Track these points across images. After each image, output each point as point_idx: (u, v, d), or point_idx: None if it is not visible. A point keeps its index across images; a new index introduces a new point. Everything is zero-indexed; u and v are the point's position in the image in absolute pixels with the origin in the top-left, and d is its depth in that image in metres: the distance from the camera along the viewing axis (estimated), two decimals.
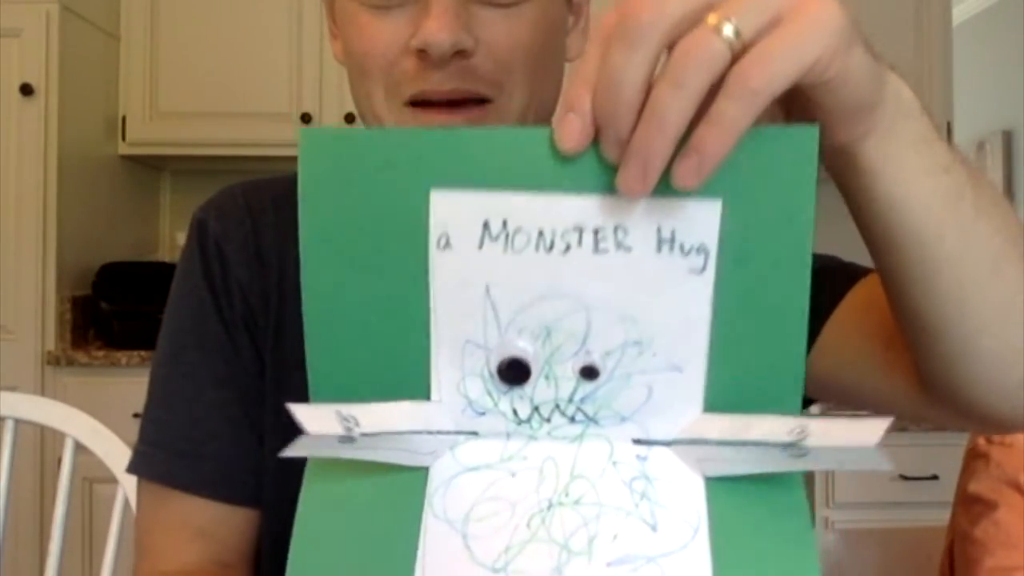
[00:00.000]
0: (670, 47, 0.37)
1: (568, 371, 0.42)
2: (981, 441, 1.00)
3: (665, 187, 0.38)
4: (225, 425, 0.71)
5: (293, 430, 0.60)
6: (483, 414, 0.43)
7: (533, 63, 0.64)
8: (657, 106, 0.37)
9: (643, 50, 0.37)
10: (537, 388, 0.42)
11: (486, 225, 0.40)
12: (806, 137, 0.39)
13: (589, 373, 0.42)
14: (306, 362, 0.44)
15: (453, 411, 0.43)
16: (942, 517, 1.04)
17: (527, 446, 0.43)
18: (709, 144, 0.37)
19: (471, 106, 0.64)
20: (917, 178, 0.46)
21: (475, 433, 0.43)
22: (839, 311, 0.64)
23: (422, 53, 0.61)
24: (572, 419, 0.42)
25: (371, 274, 0.42)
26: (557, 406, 0.42)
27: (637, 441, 0.42)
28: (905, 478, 2.21)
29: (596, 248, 0.40)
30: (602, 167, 0.39)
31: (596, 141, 0.39)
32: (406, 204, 0.41)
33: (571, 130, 0.38)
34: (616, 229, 0.40)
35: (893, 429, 0.39)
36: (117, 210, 2.76)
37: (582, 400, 0.42)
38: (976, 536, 0.94)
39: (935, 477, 2.18)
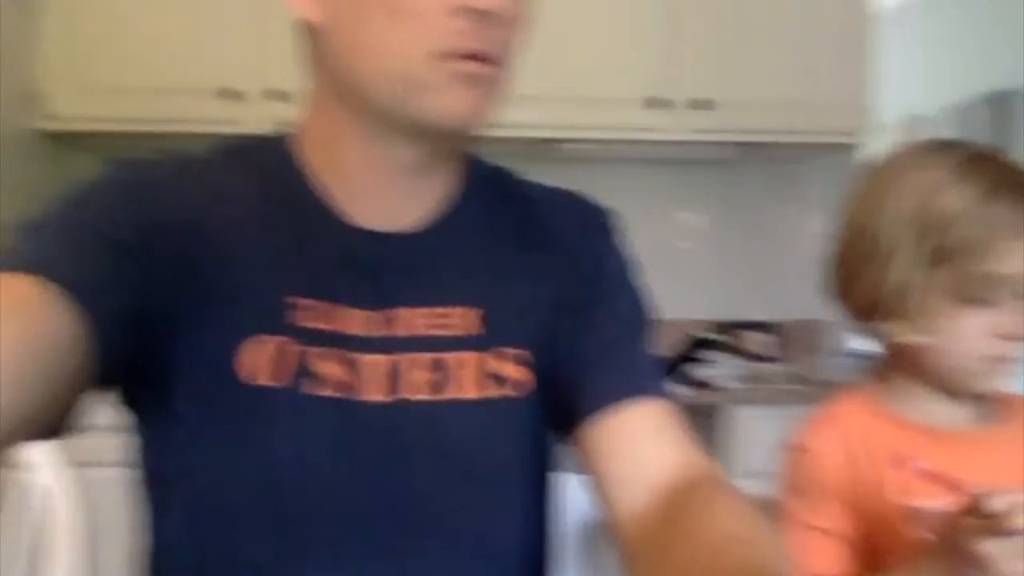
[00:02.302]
0: None
1: None
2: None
3: None
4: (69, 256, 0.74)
5: (203, 364, 0.78)
6: None
7: (520, 37, 0.81)
8: None
9: None
10: None
11: None
12: None
13: None
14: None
15: None
16: None
17: None
18: None
19: (490, 64, 0.77)
20: None
21: None
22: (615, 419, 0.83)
23: (480, 14, 0.75)
24: None
25: None
26: None
27: None
28: None
29: None
30: None
31: None
32: None
33: None
34: None
35: None
36: (36, 189, 2.63)
37: None
38: None
39: None
